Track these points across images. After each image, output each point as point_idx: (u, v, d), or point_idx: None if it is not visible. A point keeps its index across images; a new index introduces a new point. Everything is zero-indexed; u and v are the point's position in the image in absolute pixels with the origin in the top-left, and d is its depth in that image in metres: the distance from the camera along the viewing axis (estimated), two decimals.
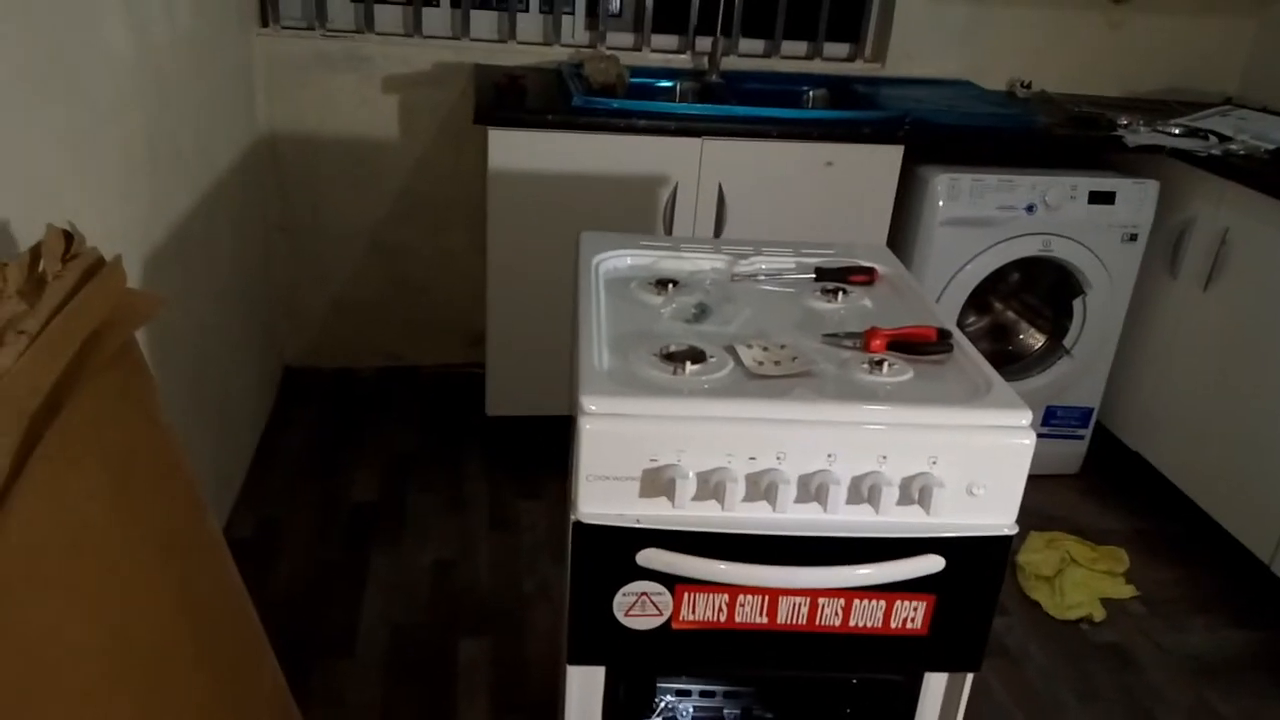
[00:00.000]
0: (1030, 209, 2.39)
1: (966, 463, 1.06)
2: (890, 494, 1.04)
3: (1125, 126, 2.49)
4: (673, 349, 1.17)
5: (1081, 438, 2.71)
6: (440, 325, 2.93)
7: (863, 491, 1.05)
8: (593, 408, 1.03)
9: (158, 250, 1.79)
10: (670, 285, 1.36)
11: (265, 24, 2.56)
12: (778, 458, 1.04)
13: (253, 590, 2.02)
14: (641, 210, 2.32)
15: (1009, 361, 2.66)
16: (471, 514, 2.37)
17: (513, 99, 2.28)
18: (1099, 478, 2.71)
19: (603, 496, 1.05)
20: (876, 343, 1.22)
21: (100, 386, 0.98)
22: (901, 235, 2.46)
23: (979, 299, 2.62)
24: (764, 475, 1.04)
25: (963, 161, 2.41)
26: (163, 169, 1.83)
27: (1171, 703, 1.96)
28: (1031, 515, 2.46)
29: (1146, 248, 2.48)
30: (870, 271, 1.45)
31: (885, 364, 1.16)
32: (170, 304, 1.84)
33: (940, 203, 2.36)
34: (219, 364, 2.22)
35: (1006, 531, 1.09)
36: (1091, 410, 2.68)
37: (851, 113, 2.45)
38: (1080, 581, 2.25)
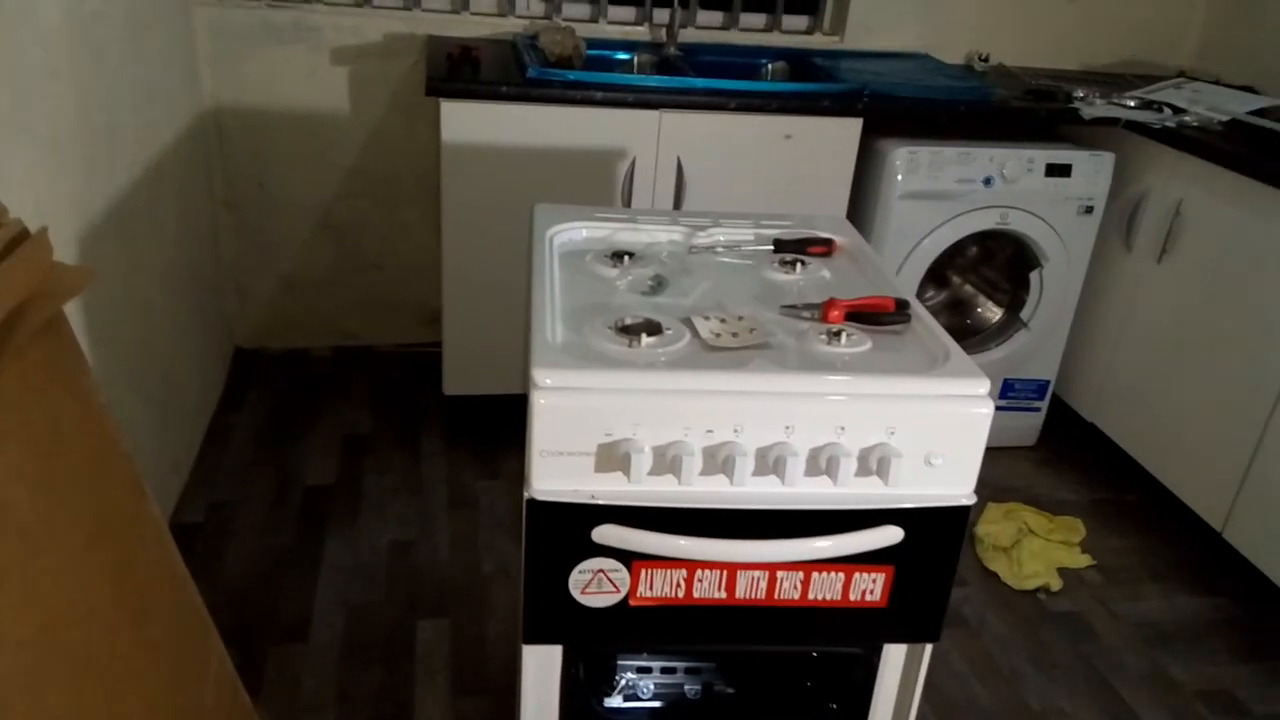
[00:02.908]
0: (988, 181, 2.39)
1: (925, 433, 1.05)
2: (849, 465, 1.02)
3: (1081, 99, 2.50)
4: (628, 321, 1.15)
5: (1038, 410, 2.73)
6: (395, 303, 2.88)
7: (821, 463, 1.04)
8: (546, 381, 1.00)
9: (95, 225, 1.72)
10: (626, 258, 1.33)
11: None
12: (735, 430, 1.02)
13: (204, 575, 1.98)
14: (599, 184, 2.28)
15: (967, 335, 2.67)
16: (429, 494, 2.33)
17: (466, 70, 2.23)
18: (1055, 449, 2.73)
19: (557, 472, 1.02)
20: (834, 313, 1.21)
21: (24, 364, 0.93)
22: (861, 208, 2.45)
23: (937, 273, 2.62)
24: (721, 448, 1.02)
25: (921, 134, 2.40)
26: (98, 142, 1.76)
27: (1128, 670, 1.99)
28: (989, 487, 2.48)
29: (1102, 220, 2.49)
30: (828, 243, 1.43)
31: (843, 335, 1.15)
32: (109, 279, 1.78)
33: (899, 176, 2.35)
34: (166, 343, 2.15)
35: (965, 501, 1.08)
36: (1048, 382, 2.70)
37: (810, 85, 2.42)
38: (1037, 552, 2.27)
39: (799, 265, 1.35)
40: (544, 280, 1.24)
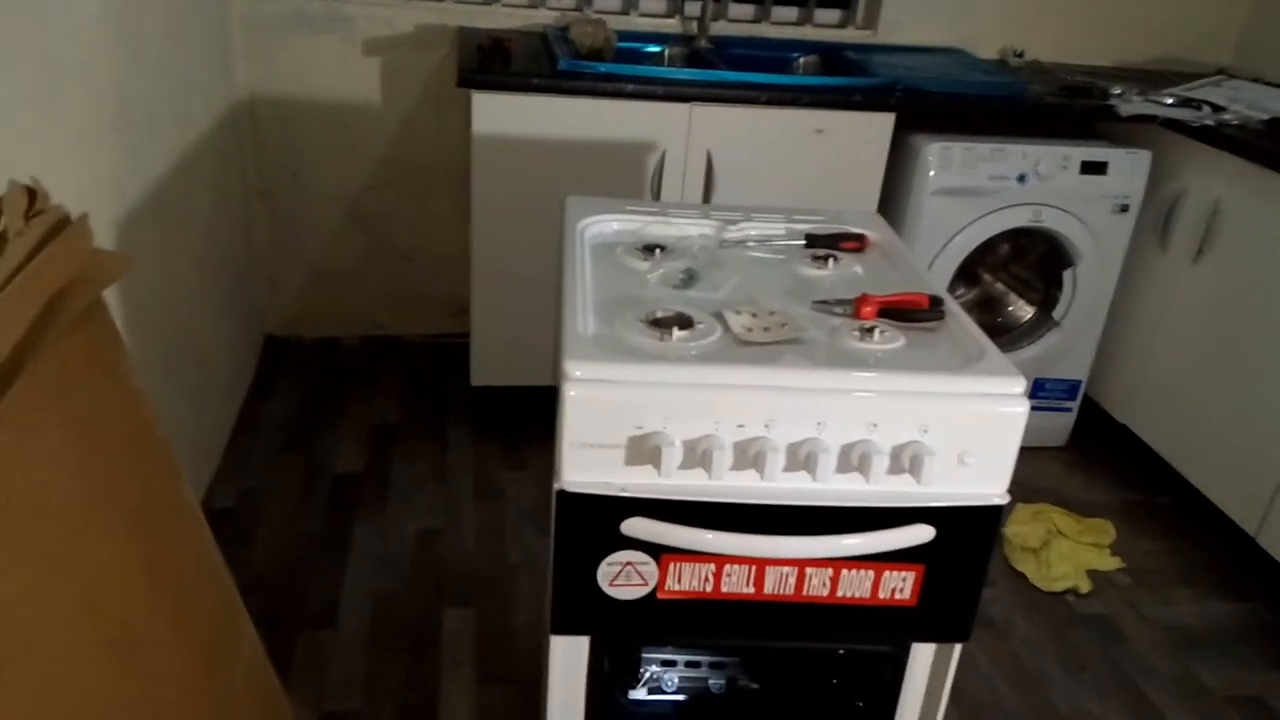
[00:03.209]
0: (1022, 179, 2.37)
1: (958, 431, 1.04)
2: (880, 462, 1.01)
3: (1118, 96, 2.46)
4: (659, 315, 1.14)
5: (1069, 410, 2.70)
6: (424, 294, 2.89)
7: (853, 460, 1.03)
8: (577, 373, 1.00)
9: (131, 211, 1.74)
10: (657, 251, 1.33)
11: None
12: (766, 425, 1.02)
13: (234, 561, 1.99)
14: (629, 176, 2.28)
15: (998, 333, 2.64)
16: (456, 484, 2.35)
17: (497, 62, 2.23)
18: (1086, 450, 2.70)
19: (587, 464, 1.02)
20: (867, 309, 1.20)
21: (65, 349, 0.94)
22: (892, 204, 2.43)
23: (968, 270, 2.60)
24: (752, 443, 1.02)
25: (954, 130, 2.37)
26: (135, 129, 1.78)
27: (1157, 674, 1.96)
28: (1018, 487, 2.43)
29: (1137, 219, 2.46)
30: (861, 238, 1.42)
31: (876, 331, 1.14)
32: (145, 266, 1.80)
33: (931, 171, 2.33)
34: (198, 330, 2.18)
35: (997, 501, 1.07)
36: (1080, 382, 2.67)
37: (842, 79, 2.41)
38: (1066, 553, 2.25)
39: (831, 260, 1.35)
40: (575, 272, 1.24)
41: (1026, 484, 2.49)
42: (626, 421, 1.01)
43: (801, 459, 1.02)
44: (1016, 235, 2.49)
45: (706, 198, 2.30)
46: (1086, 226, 2.44)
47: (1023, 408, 1.04)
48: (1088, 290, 2.52)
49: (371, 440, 2.48)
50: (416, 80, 2.63)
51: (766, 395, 1.02)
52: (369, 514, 2.21)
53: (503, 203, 2.26)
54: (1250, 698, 1.93)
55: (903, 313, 1.20)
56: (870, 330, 1.14)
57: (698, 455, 1.02)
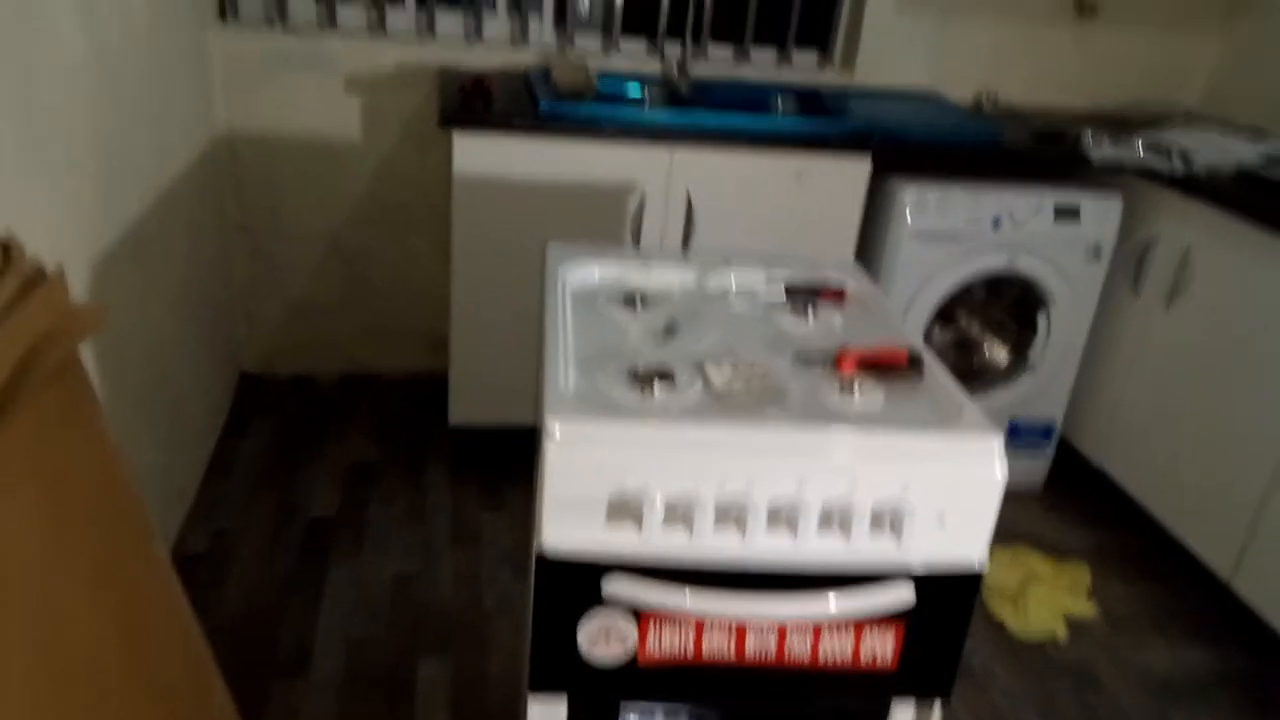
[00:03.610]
0: (996, 223, 2.40)
1: (938, 490, 1.04)
2: (861, 521, 1.01)
3: (1090, 143, 2.50)
4: (641, 368, 1.14)
5: (1045, 453, 2.72)
6: (403, 330, 2.88)
7: (833, 518, 1.03)
8: (559, 431, 1.00)
9: (109, 252, 1.73)
10: (639, 300, 1.33)
11: (223, 18, 2.49)
12: (748, 483, 1.01)
13: (206, 607, 1.97)
14: (609, 218, 2.28)
15: (974, 376, 2.66)
16: (433, 526, 2.32)
17: (479, 102, 2.24)
18: (1061, 492, 2.72)
19: (568, 523, 1.01)
20: (847, 363, 1.20)
21: (39, 406, 0.92)
22: (870, 247, 2.45)
23: (945, 311, 2.62)
24: (734, 501, 1.01)
25: (931, 174, 2.40)
26: (114, 169, 1.76)
27: (1131, 718, 1.97)
28: (995, 530, 2.46)
29: (1110, 264, 2.49)
30: (841, 289, 1.43)
31: (856, 386, 1.14)
32: (120, 306, 1.78)
33: (908, 215, 2.35)
34: (174, 370, 2.15)
35: (977, 566, 1.07)
36: (1054, 425, 2.69)
37: (820, 124, 2.43)
38: (1044, 599, 2.25)
39: (811, 311, 1.35)
40: (556, 323, 1.24)
41: (1003, 527, 2.47)
42: (608, 480, 1.00)
43: (783, 517, 1.02)
44: (993, 278, 2.51)
45: (686, 239, 2.31)
46: (1060, 271, 2.47)
47: (1001, 469, 1.05)
48: (1061, 334, 2.55)
49: (347, 480, 2.46)
50: (397, 118, 2.64)
51: (748, 452, 1.02)
52: (344, 557, 2.18)
53: (483, 242, 2.26)
54: None
55: (882, 367, 1.21)
56: (850, 385, 1.14)
57: (679, 513, 1.01)
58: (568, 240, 2.26)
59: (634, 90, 2.61)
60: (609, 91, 2.52)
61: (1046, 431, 2.69)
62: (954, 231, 2.38)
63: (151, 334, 1.99)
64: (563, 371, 1.11)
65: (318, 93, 2.58)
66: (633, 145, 2.22)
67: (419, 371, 2.91)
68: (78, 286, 1.59)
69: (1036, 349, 2.57)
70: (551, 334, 1.21)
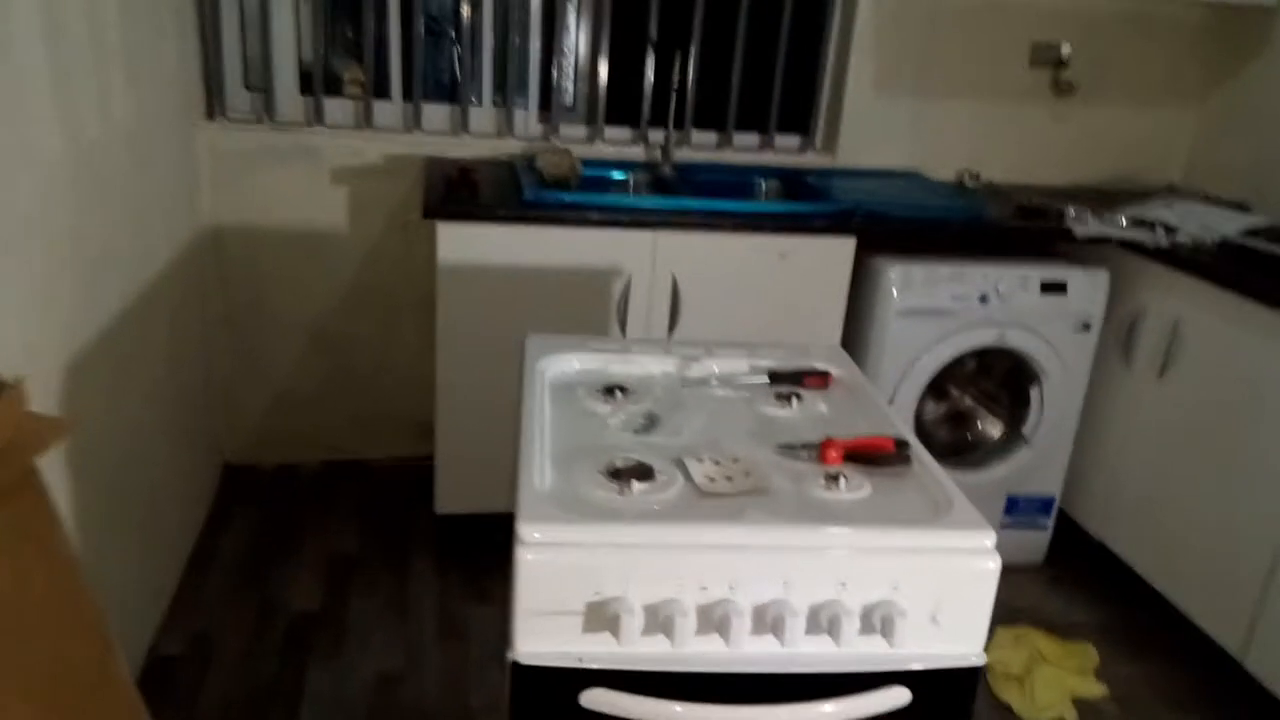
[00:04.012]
0: (984, 299, 2.39)
1: (929, 588, 1.00)
2: (850, 624, 0.97)
3: (1073, 217, 2.51)
4: (619, 465, 1.11)
5: (1045, 527, 2.67)
6: (388, 417, 2.85)
7: (822, 621, 0.99)
8: (534, 536, 0.96)
9: (83, 352, 1.70)
10: (618, 392, 1.30)
11: (211, 116, 2.51)
12: (730, 587, 0.97)
13: (181, 714, 1.89)
14: (595, 303, 2.27)
15: (968, 450, 2.63)
16: (418, 621, 2.25)
17: (463, 192, 2.24)
18: (1064, 567, 2.66)
19: (542, 633, 0.97)
20: (833, 454, 1.17)
21: None
22: (857, 326, 2.44)
23: (937, 385, 2.59)
24: (716, 606, 0.97)
25: (916, 252, 2.41)
26: (92, 269, 1.75)
27: None
28: (997, 609, 2.39)
29: (1100, 336, 2.48)
30: (824, 375, 1.40)
31: (842, 479, 1.11)
32: (94, 406, 1.75)
33: (894, 293, 2.35)
34: (151, 466, 2.11)
35: (974, 662, 1.03)
36: (1053, 499, 2.64)
37: (804, 204, 2.45)
38: (1051, 680, 2.18)
39: (795, 400, 1.33)
40: (534, 417, 1.21)
41: (1005, 604, 2.41)
42: (584, 586, 0.96)
43: (769, 622, 0.98)
44: (984, 352, 2.50)
45: (673, 322, 2.30)
46: (1050, 345, 2.46)
47: (995, 563, 1.01)
48: (1055, 407, 2.53)
49: (330, 573, 2.40)
50: (384, 207, 2.65)
51: (730, 555, 0.98)
52: (325, 656, 2.11)
53: (468, 330, 2.24)
54: None
55: (869, 457, 1.18)
56: (836, 478, 1.11)
57: (659, 621, 0.97)
58: (553, 327, 2.25)
59: (618, 176, 2.62)
60: (594, 178, 2.54)
61: (1045, 506, 2.65)
62: (941, 308, 2.37)
63: (127, 430, 1.95)
64: (538, 470, 1.08)
65: (304, 184, 2.60)
66: (617, 230, 2.23)
67: (405, 458, 2.87)
68: (51, 388, 1.56)
69: (1030, 422, 2.54)
70: (529, 428, 1.18)
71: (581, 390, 1.32)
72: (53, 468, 1.57)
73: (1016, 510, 2.63)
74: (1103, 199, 2.76)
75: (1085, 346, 2.49)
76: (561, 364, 1.39)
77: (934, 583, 1.00)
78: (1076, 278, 2.43)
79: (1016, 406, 2.58)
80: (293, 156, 2.57)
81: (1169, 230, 2.46)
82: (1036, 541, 2.68)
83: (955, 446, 2.63)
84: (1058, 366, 2.48)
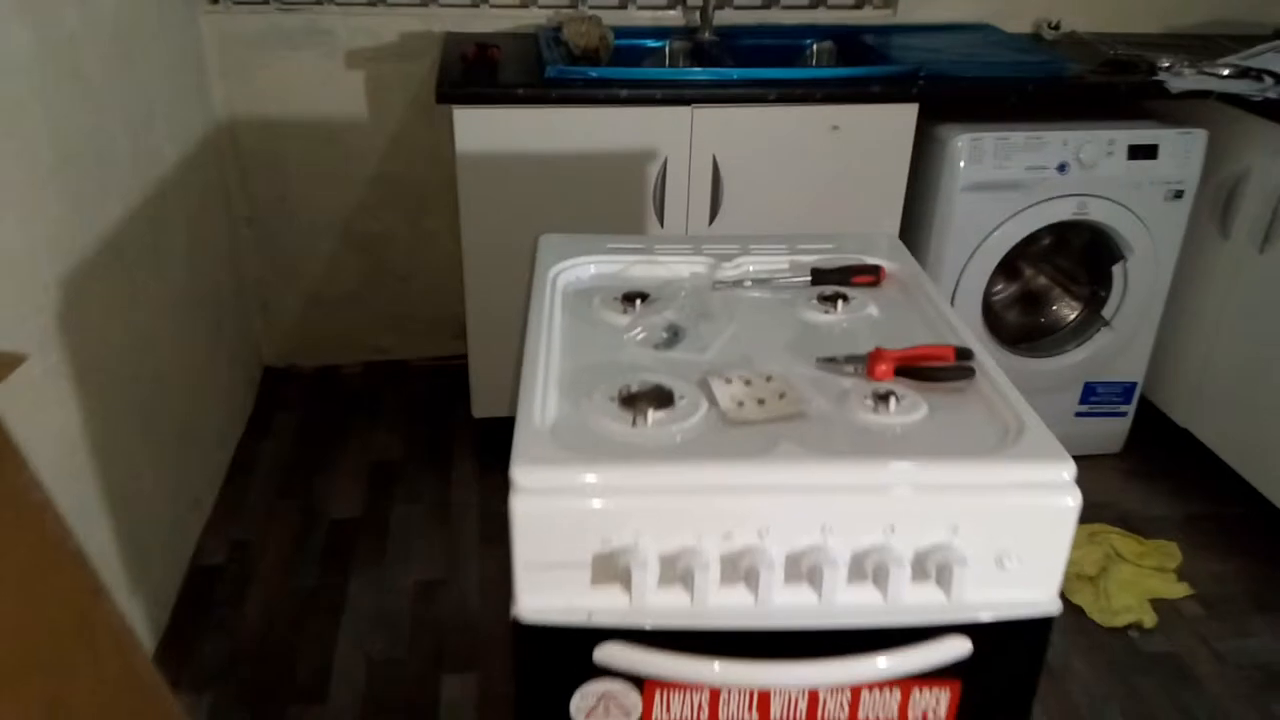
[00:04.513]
0: (1062, 168, 2.14)
1: (995, 530, 0.85)
2: (900, 575, 0.83)
3: (1167, 69, 2.22)
4: (634, 389, 0.97)
5: (1124, 414, 2.47)
6: (426, 315, 2.74)
7: (866, 571, 0.85)
8: (526, 482, 0.83)
9: (87, 264, 1.60)
10: (639, 300, 1.15)
11: (215, 1, 2.34)
12: (759, 534, 0.84)
13: (224, 625, 1.87)
14: (630, 191, 2.10)
15: (1043, 334, 2.42)
16: (460, 526, 2.19)
17: (481, 72, 2.06)
18: (1144, 457, 2.48)
19: (547, 586, 0.86)
20: (882, 368, 1.01)
21: None
22: (920, 204, 2.22)
23: (1007, 263, 2.37)
24: (742, 556, 0.84)
25: (985, 118, 2.16)
26: (84, 175, 1.63)
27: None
28: None
29: (1194, 205, 2.23)
30: (875, 270, 1.23)
31: (892, 398, 0.95)
32: (102, 321, 1.66)
33: (961, 166, 2.11)
34: (182, 375, 2.04)
35: (1047, 610, 0.89)
36: (1135, 385, 2.44)
37: (858, 69, 2.20)
38: (1128, 581, 2.04)
39: (840, 302, 1.16)
40: (541, 335, 1.07)
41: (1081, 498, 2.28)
42: (591, 536, 0.84)
43: (804, 572, 0.85)
44: (1060, 227, 2.26)
45: (715, 208, 2.11)
46: (1137, 217, 2.21)
47: (1074, 500, 0.86)
48: (1141, 285, 2.30)
49: (371, 479, 2.34)
50: (404, 92, 2.47)
51: (759, 497, 0.84)
52: (366, 564, 2.07)
53: (494, 225, 2.09)
54: None
55: (925, 370, 1.02)
56: (885, 396, 0.96)
57: (678, 573, 0.84)
58: (584, 218, 2.10)
59: (653, 45, 2.39)
60: (626, 48, 2.32)
61: (1127, 392, 2.45)
62: (1014, 181, 2.14)
63: (152, 343, 1.87)
64: (540, 400, 0.94)
65: (319, 70, 2.43)
66: (650, 108, 2.02)
67: (445, 357, 2.77)
68: (44, 302, 1.47)
69: (1112, 303, 2.32)
70: (534, 348, 1.04)
71: (598, 299, 1.17)
72: (58, 385, 1.50)
73: (1094, 397, 2.44)
74: (1201, 47, 2.44)
75: (1177, 217, 2.24)
76: (577, 269, 1.24)
77: (1001, 525, 0.85)
78: (1169, 139, 2.16)
79: (1096, 285, 2.36)
80: (304, 39, 2.39)
81: (1279, 81, 2.16)
82: (1114, 429, 2.49)
83: (1027, 331, 2.43)
84: (1145, 240, 2.24)
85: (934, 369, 1.01)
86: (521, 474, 0.83)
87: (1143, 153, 2.16)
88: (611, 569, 0.84)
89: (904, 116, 2.11)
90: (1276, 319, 2.13)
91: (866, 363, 1.03)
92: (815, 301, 1.17)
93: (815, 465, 0.86)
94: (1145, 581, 2.06)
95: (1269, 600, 2.05)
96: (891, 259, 1.26)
